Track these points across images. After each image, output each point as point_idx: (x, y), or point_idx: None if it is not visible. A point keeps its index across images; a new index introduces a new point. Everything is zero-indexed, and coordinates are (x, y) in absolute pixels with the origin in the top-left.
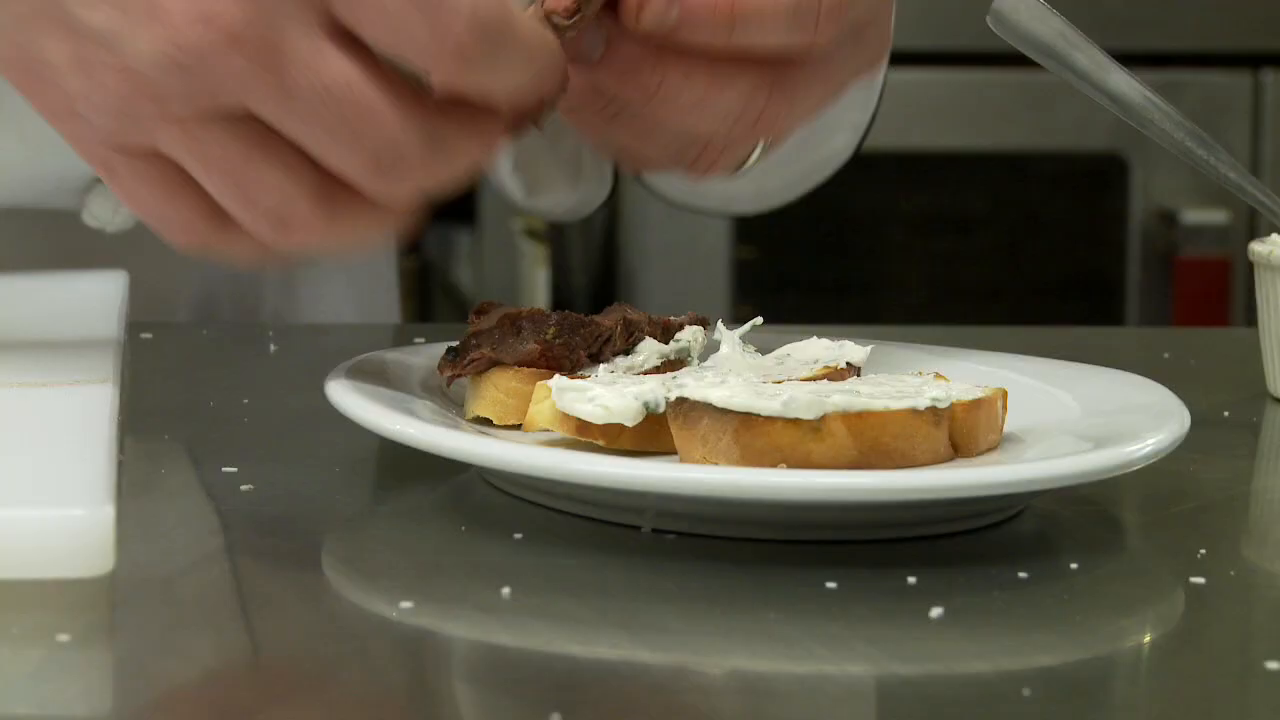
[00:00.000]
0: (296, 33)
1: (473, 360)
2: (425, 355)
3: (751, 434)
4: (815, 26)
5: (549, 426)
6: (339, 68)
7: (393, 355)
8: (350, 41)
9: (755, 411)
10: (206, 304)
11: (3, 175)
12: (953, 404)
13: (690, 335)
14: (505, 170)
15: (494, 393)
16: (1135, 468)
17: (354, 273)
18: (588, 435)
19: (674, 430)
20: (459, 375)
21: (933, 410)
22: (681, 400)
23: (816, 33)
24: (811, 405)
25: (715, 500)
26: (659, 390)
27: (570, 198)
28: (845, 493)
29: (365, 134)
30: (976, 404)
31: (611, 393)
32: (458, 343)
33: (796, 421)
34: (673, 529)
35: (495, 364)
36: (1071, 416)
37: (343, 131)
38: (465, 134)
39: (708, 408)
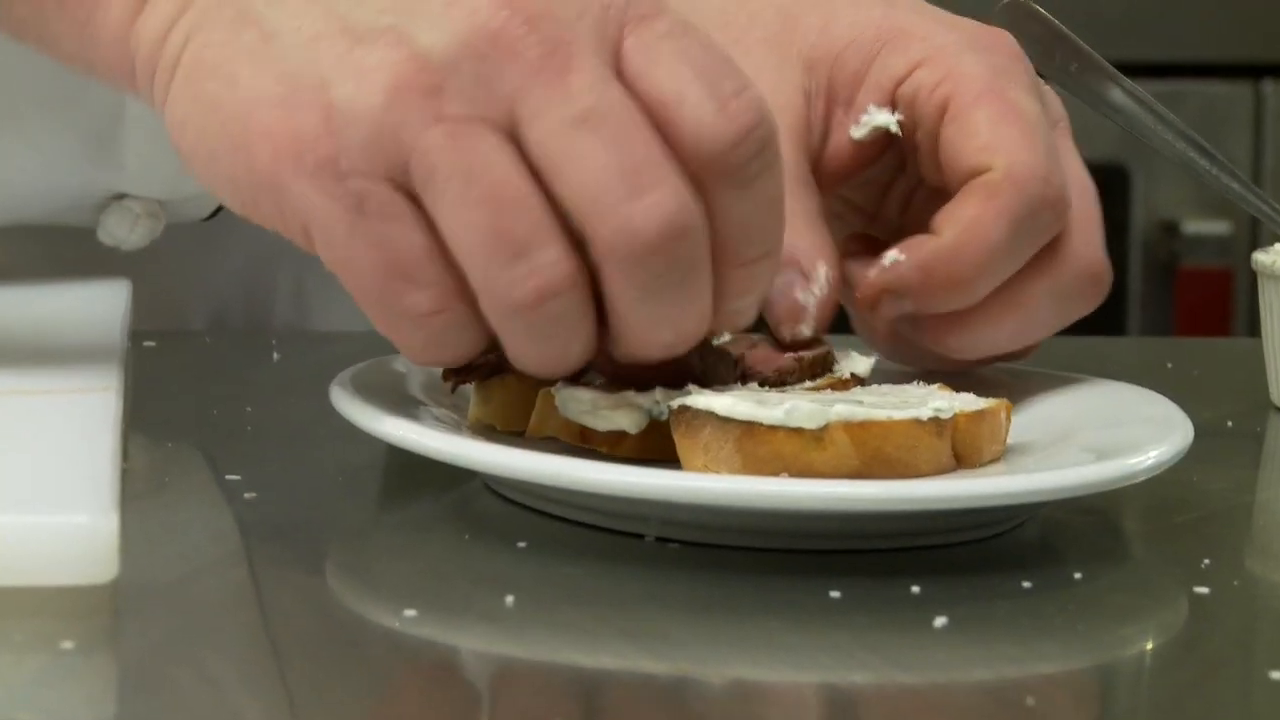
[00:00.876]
0: (589, 43)
1: (477, 366)
2: None
3: (754, 443)
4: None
5: (553, 433)
6: (620, 96)
7: (396, 362)
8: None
9: (758, 421)
10: (219, 314)
11: (19, 191)
12: (956, 414)
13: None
14: None
15: (498, 399)
16: (1139, 479)
17: None
18: (591, 442)
19: (676, 438)
20: (463, 382)
21: (936, 421)
22: (684, 408)
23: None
24: (814, 415)
25: (717, 509)
26: (662, 398)
27: None
28: (848, 502)
29: (641, 183)
30: (980, 415)
31: (614, 400)
32: None
33: (799, 431)
34: (677, 538)
35: (499, 370)
36: (1075, 428)
37: (610, 147)
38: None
39: (710, 416)
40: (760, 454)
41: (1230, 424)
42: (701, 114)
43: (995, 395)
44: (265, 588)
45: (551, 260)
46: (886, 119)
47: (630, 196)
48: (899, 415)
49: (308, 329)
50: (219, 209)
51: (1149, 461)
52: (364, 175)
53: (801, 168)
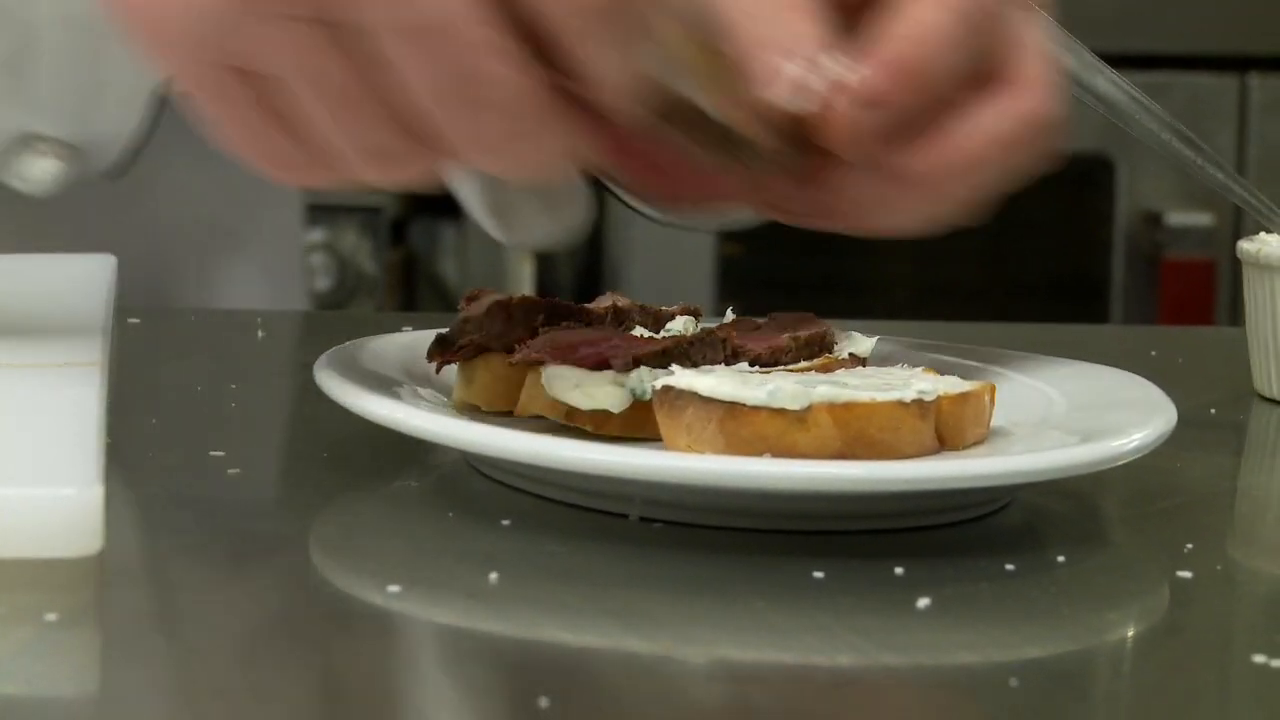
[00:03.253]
0: None
1: (462, 346)
2: (413, 341)
3: (737, 423)
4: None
5: (540, 413)
6: None
7: (380, 341)
8: None
9: (741, 401)
10: (121, 287)
11: None
12: (939, 397)
13: (681, 326)
14: (479, 209)
15: (483, 379)
16: (1122, 462)
17: (264, 257)
18: (576, 421)
19: (660, 418)
20: (448, 361)
21: (919, 403)
22: (667, 389)
23: None
24: (797, 395)
25: (700, 489)
26: (646, 377)
27: (551, 229)
28: (830, 483)
29: (488, 78)
30: (963, 397)
31: (598, 378)
32: (447, 329)
33: (782, 411)
34: (660, 517)
35: (484, 350)
36: (1059, 411)
37: (464, 65)
38: (571, 120)
39: (693, 396)
40: (743, 435)
41: (1213, 411)
42: None
43: (980, 378)
44: (248, 563)
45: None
46: None
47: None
48: (882, 397)
49: (217, 304)
50: (126, 171)
51: (1132, 444)
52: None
53: None
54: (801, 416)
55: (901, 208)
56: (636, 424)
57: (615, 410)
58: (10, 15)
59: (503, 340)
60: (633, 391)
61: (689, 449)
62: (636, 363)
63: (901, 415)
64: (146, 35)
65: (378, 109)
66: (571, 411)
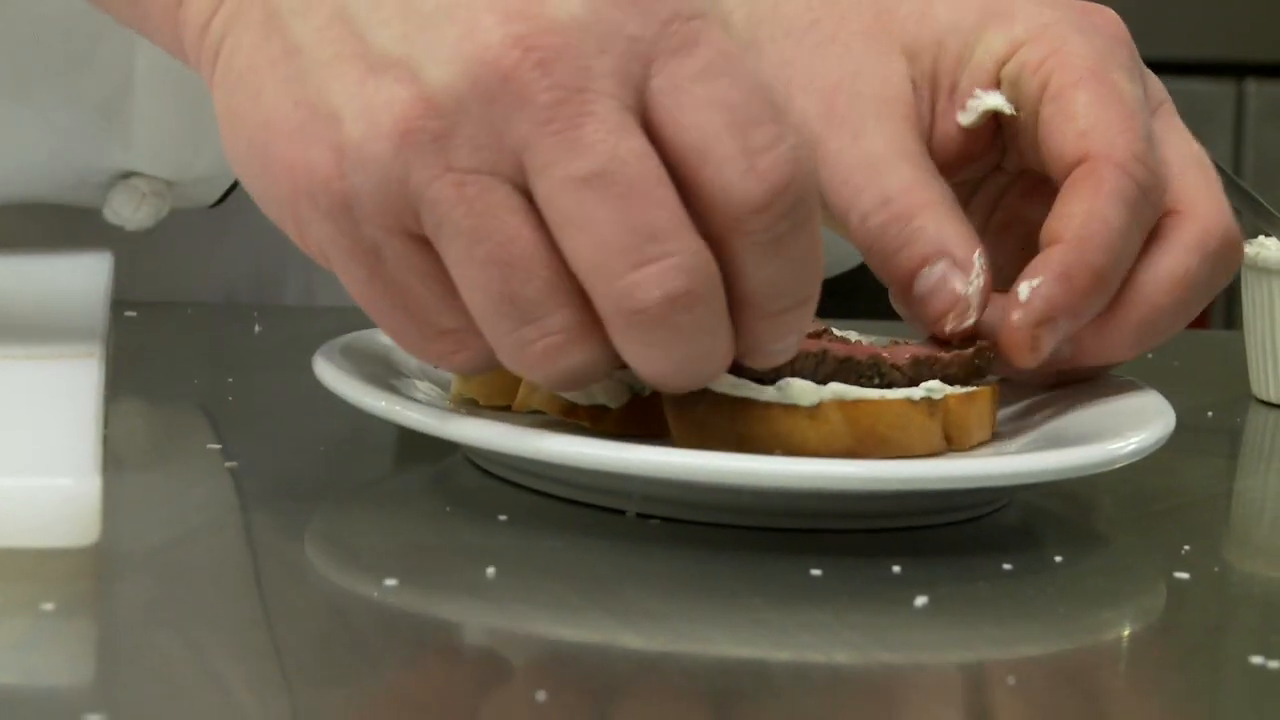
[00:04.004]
0: (608, 86)
1: None
2: None
3: (748, 420)
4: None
5: (539, 407)
6: (639, 145)
7: (379, 335)
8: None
9: (752, 397)
10: (229, 298)
11: (26, 164)
12: (947, 396)
13: None
14: None
15: (479, 375)
16: (1121, 464)
17: None
18: (574, 417)
19: (669, 415)
20: None
21: (928, 401)
22: None
23: None
24: (808, 392)
25: (698, 485)
26: None
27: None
28: (832, 481)
29: (646, 252)
30: (970, 397)
31: None
32: None
33: (793, 408)
34: (658, 514)
35: None
36: (1059, 414)
37: (619, 211)
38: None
39: (704, 393)
40: (754, 431)
41: (1210, 414)
42: (728, 173)
43: (983, 380)
44: (246, 556)
45: (560, 325)
46: (997, 100)
47: (633, 266)
48: (892, 395)
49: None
50: (227, 194)
51: (1131, 447)
52: (377, 225)
53: (926, 158)
54: (812, 413)
55: (1112, 358)
56: (634, 419)
57: (613, 405)
58: (107, 61)
59: None
60: (630, 387)
61: (700, 445)
62: None
63: (910, 413)
64: (287, 192)
65: (534, 269)
66: (570, 407)
